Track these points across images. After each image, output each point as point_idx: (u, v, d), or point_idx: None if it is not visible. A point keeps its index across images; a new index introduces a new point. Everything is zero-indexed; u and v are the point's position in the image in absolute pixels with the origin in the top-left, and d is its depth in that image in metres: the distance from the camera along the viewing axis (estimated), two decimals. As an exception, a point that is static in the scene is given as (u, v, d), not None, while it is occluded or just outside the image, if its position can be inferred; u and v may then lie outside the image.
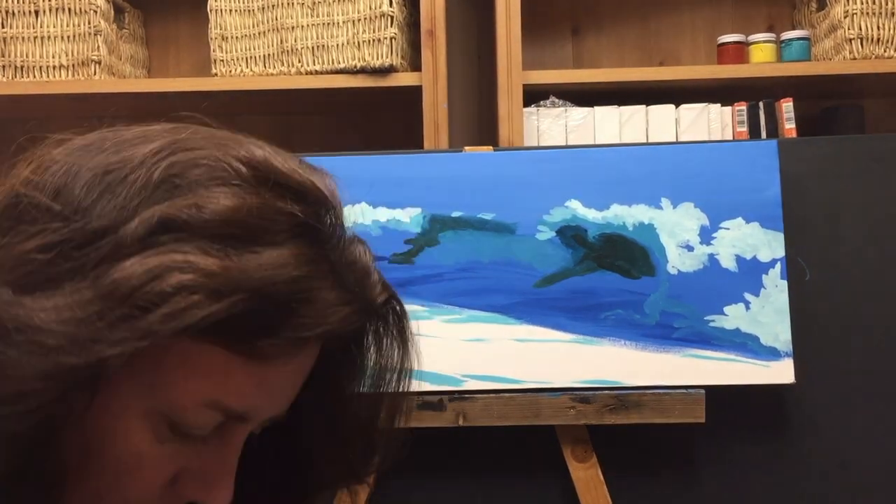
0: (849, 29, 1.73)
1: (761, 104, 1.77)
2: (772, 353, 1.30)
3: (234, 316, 0.46)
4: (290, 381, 0.54)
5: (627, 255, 1.32)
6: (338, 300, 0.53)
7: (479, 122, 2.08)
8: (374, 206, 1.34)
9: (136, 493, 0.49)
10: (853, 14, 1.73)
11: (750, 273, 1.31)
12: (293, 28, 1.74)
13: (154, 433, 0.49)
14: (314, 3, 1.73)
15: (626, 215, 1.33)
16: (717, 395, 1.31)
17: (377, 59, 1.71)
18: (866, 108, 1.93)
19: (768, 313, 1.30)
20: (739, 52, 1.88)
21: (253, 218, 0.50)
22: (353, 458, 0.67)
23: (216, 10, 1.78)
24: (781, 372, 1.30)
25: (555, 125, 1.76)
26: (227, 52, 1.78)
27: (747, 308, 1.31)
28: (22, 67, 1.80)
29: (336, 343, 0.56)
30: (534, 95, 1.78)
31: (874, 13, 1.73)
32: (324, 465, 0.66)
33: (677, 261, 1.32)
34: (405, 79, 1.74)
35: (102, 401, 0.47)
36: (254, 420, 0.52)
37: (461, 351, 1.32)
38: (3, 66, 1.80)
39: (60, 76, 1.80)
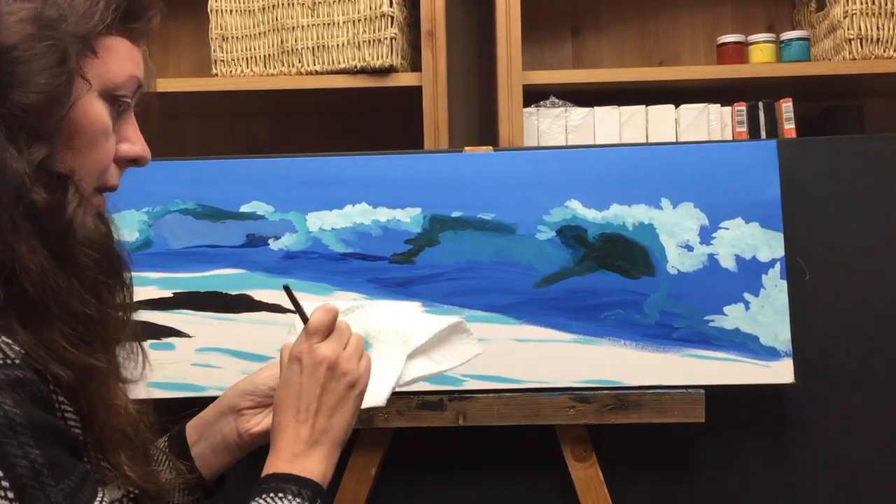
0: (848, 29, 1.73)
1: (761, 104, 1.77)
2: (771, 353, 1.30)
3: (123, 12, 0.73)
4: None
5: (627, 255, 1.32)
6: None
7: (479, 122, 2.08)
8: (374, 206, 1.34)
9: (103, 156, 0.74)
10: (853, 14, 1.73)
11: (750, 273, 1.31)
12: (293, 28, 1.74)
13: (108, 110, 0.73)
14: (314, 3, 1.73)
15: (626, 215, 1.33)
16: (717, 395, 1.31)
17: (377, 59, 1.71)
18: (866, 108, 1.93)
19: (768, 313, 1.30)
20: (739, 53, 1.88)
21: None
22: None
23: (216, 11, 1.78)
24: (781, 372, 1.30)
25: (555, 125, 1.76)
26: (227, 53, 1.78)
27: (747, 308, 1.31)
28: (22, 67, 1.80)
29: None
30: (534, 95, 1.78)
31: (874, 13, 1.73)
32: None
33: (677, 261, 1.32)
34: (405, 79, 1.74)
35: (77, 97, 0.70)
36: (142, 89, 0.79)
37: (461, 351, 1.32)
38: (4, 67, 1.80)
39: (61, 76, 1.79)
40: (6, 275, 0.65)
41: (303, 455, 0.82)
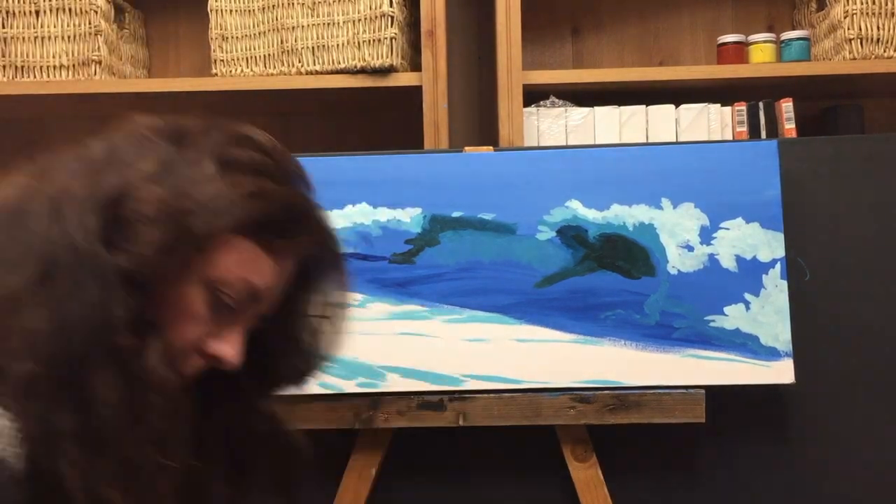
0: (848, 29, 1.73)
1: (761, 104, 1.77)
2: (772, 353, 1.30)
3: (264, 220, 0.75)
4: (283, 279, 0.80)
5: (627, 255, 1.32)
6: (321, 222, 0.84)
7: (479, 122, 2.08)
8: (374, 206, 1.34)
9: (184, 338, 0.75)
10: (853, 14, 1.73)
11: (750, 273, 1.31)
12: (293, 28, 1.74)
13: (204, 299, 0.74)
14: (314, 3, 1.73)
15: (626, 215, 1.33)
16: (717, 395, 1.31)
17: (377, 59, 1.71)
18: (866, 108, 1.93)
19: (768, 313, 1.30)
20: (739, 52, 1.88)
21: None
22: (300, 360, 0.91)
23: (216, 10, 1.78)
24: (781, 372, 1.30)
25: (555, 125, 1.76)
26: (227, 52, 1.78)
27: (747, 308, 1.31)
28: (22, 67, 1.80)
29: (308, 261, 0.83)
30: (534, 96, 1.78)
31: (874, 13, 1.73)
32: (280, 367, 0.91)
33: (677, 261, 1.32)
34: (405, 79, 1.74)
35: (181, 274, 0.72)
36: (262, 302, 0.78)
37: (461, 351, 1.32)
38: (4, 66, 1.80)
39: (61, 76, 1.80)
40: (77, 403, 0.67)
41: None
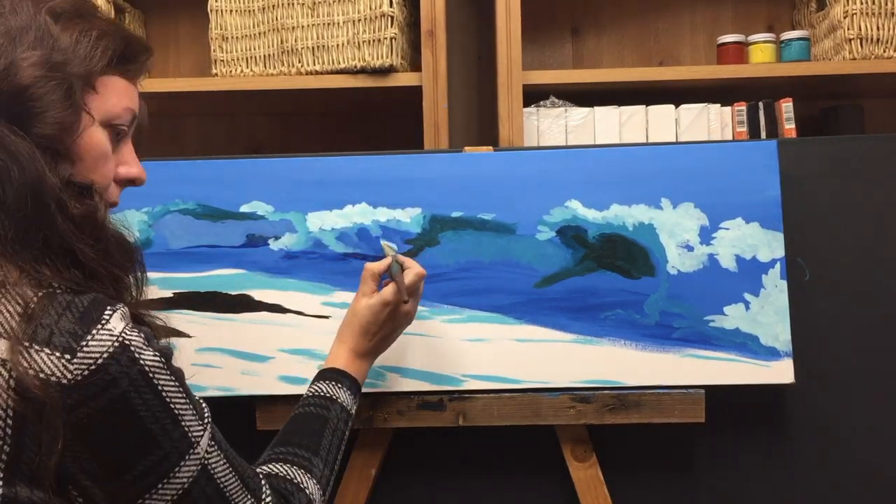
0: (848, 29, 1.73)
1: (761, 104, 1.77)
2: (772, 353, 1.30)
3: (117, 53, 0.88)
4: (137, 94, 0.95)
5: (627, 255, 1.32)
6: (137, 36, 0.96)
7: (479, 122, 2.08)
8: (374, 206, 1.34)
9: (106, 176, 0.89)
10: (853, 14, 1.73)
11: (750, 273, 1.31)
12: (293, 28, 1.74)
13: (108, 138, 0.88)
14: (314, 3, 1.73)
15: (626, 215, 1.33)
16: (717, 395, 1.31)
17: (377, 59, 1.71)
18: (866, 108, 1.93)
19: (768, 313, 1.30)
20: (739, 53, 1.88)
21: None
22: None
23: (216, 11, 1.78)
24: (781, 372, 1.30)
25: (555, 125, 1.76)
26: (227, 52, 1.78)
27: (747, 308, 1.31)
28: (22, 67, 1.80)
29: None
30: (534, 95, 1.78)
31: (874, 13, 1.73)
32: None
33: (677, 261, 1.32)
34: (405, 79, 1.74)
35: (84, 127, 0.85)
36: (136, 121, 0.93)
37: (461, 351, 1.32)
38: (4, 66, 1.80)
39: (60, 76, 1.79)
40: (73, 259, 0.82)
41: (358, 362, 1.18)
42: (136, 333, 0.79)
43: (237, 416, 1.36)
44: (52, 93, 0.82)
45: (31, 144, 0.81)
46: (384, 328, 1.19)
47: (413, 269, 1.22)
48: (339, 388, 1.13)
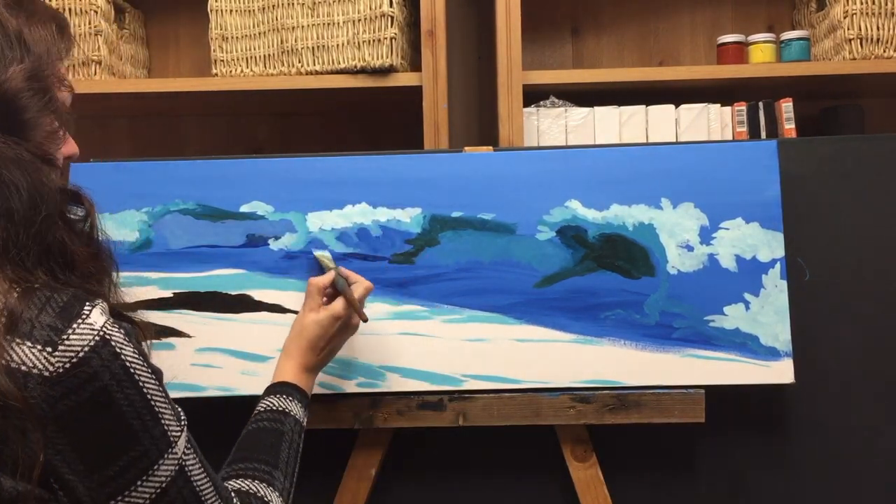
0: (848, 29, 1.73)
1: (761, 104, 1.77)
2: (772, 353, 1.30)
3: (63, 39, 0.91)
4: None
5: (627, 255, 1.32)
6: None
7: (479, 122, 2.08)
8: (374, 206, 1.34)
9: (61, 156, 0.90)
10: (853, 14, 1.73)
11: (750, 273, 1.31)
12: (293, 28, 1.74)
13: (60, 123, 0.88)
14: (314, 3, 1.73)
15: (626, 215, 1.33)
16: (717, 395, 1.31)
17: (377, 59, 1.71)
18: (866, 108, 1.93)
19: (768, 313, 1.30)
20: (739, 53, 1.88)
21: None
22: None
23: (216, 11, 1.78)
24: (781, 372, 1.30)
25: (555, 125, 1.76)
26: (227, 52, 1.78)
27: (747, 308, 1.31)
28: (22, 67, 1.80)
29: None
30: (534, 95, 1.78)
31: (874, 13, 1.73)
32: None
33: (677, 261, 1.32)
34: (405, 79, 1.74)
35: (49, 116, 0.86)
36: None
37: (461, 351, 1.32)
38: (4, 66, 1.80)
39: (61, 76, 1.79)
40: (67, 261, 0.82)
41: (306, 375, 1.17)
42: (116, 329, 0.79)
43: (237, 416, 1.36)
44: (40, 98, 0.84)
45: (31, 155, 0.82)
46: (332, 342, 1.20)
47: (361, 284, 1.23)
48: (290, 401, 1.13)
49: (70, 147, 0.94)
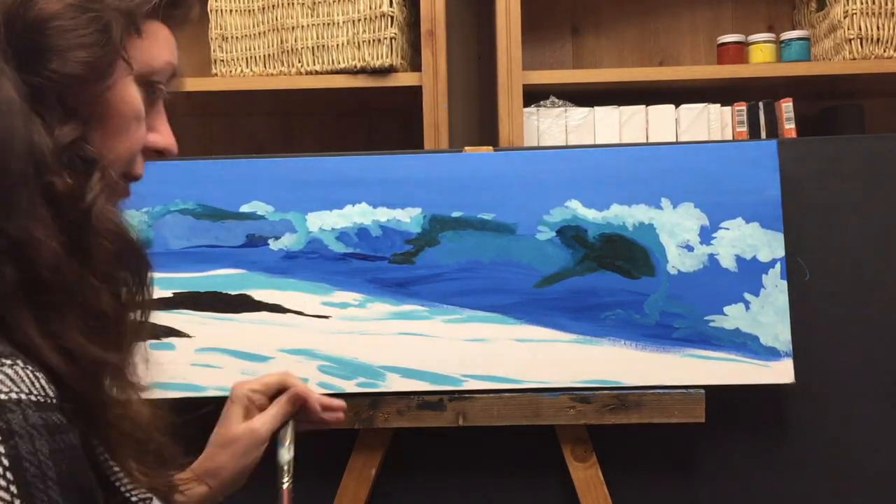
0: (848, 29, 1.73)
1: (761, 104, 1.77)
2: (772, 353, 1.30)
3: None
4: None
5: (627, 255, 1.32)
6: None
7: (479, 122, 2.08)
8: (374, 206, 1.34)
9: (134, 143, 0.71)
10: (853, 14, 1.73)
11: (750, 273, 1.31)
12: (293, 28, 1.74)
13: (142, 96, 0.71)
14: (314, 3, 1.73)
15: (626, 215, 1.33)
16: (717, 395, 1.31)
17: (377, 59, 1.71)
18: (866, 108, 1.93)
19: (768, 313, 1.30)
20: (739, 53, 1.88)
21: None
22: None
23: (216, 11, 1.78)
24: (781, 372, 1.30)
25: (555, 125, 1.76)
26: (227, 52, 1.78)
27: (747, 308, 1.31)
28: (22, 67, 1.80)
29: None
30: (534, 95, 1.78)
31: (874, 13, 1.73)
32: None
33: (677, 261, 1.32)
34: (405, 79, 1.74)
35: (118, 77, 0.68)
36: (173, 79, 0.77)
37: (461, 351, 1.32)
38: (4, 66, 1.80)
39: (60, 76, 1.79)
40: (18, 256, 0.60)
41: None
42: (24, 411, 0.56)
43: (237, 416, 1.37)
44: (86, 27, 0.64)
45: (19, 85, 0.61)
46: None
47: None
48: None
49: (158, 136, 0.76)
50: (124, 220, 0.72)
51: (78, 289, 0.63)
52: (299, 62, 1.74)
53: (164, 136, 0.76)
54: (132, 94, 0.70)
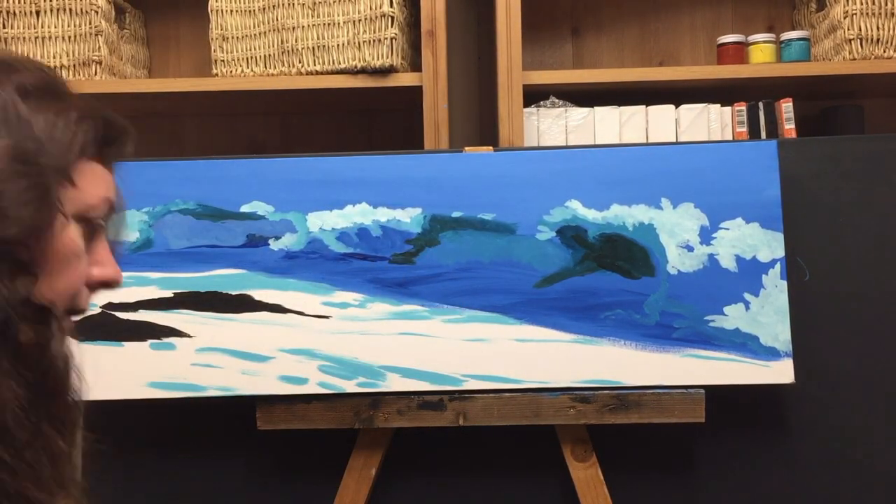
0: (848, 29, 1.73)
1: (761, 104, 1.77)
2: (772, 353, 1.30)
3: (96, 137, 0.75)
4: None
5: (627, 255, 1.32)
6: (118, 118, 0.82)
7: (479, 122, 2.08)
8: (374, 206, 1.34)
9: (76, 279, 0.73)
10: (853, 14, 1.73)
11: (750, 273, 1.31)
12: (294, 28, 1.74)
13: (81, 234, 0.73)
14: (315, 3, 1.73)
15: (626, 215, 1.33)
16: (717, 395, 1.31)
17: (377, 59, 1.71)
18: (866, 108, 1.93)
19: (768, 313, 1.30)
20: (739, 53, 1.88)
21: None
22: None
23: (217, 11, 1.78)
24: (781, 372, 1.30)
25: (555, 125, 1.76)
26: (227, 53, 1.78)
27: (747, 308, 1.31)
28: (22, 67, 1.80)
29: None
30: (534, 96, 1.78)
31: (874, 13, 1.73)
32: None
33: (677, 261, 1.32)
34: (405, 79, 1.74)
35: (56, 219, 0.70)
36: (111, 214, 0.79)
37: (461, 351, 1.32)
38: (4, 67, 1.80)
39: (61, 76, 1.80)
40: None
41: None
42: None
43: (237, 416, 1.37)
44: (22, 190, 0.66)
45: None
46: None
47: None
48: None
49: (102, 269, 0.76)
50: (74, 362, 0.73)
51: (32, 435, 0.65)
52: (300, 62, 1.74)
53: (107, 268, 0.77)
54: (71, 237, 0.72)
